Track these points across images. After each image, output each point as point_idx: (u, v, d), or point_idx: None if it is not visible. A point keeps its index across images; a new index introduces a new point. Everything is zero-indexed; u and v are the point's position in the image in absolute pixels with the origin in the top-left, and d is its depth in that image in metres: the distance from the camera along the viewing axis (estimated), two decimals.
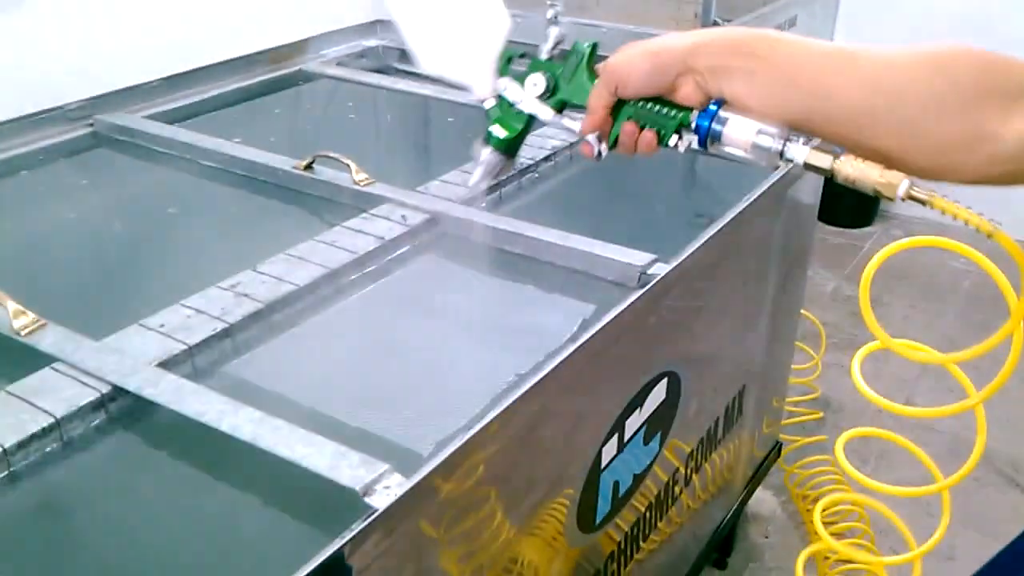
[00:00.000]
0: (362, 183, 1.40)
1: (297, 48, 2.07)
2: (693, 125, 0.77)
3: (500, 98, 0.87)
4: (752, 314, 1.68)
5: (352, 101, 1.95)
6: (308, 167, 1.45)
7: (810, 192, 1.80)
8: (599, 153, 0.82)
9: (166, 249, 1.35)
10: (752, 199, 1.31)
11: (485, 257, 1.29)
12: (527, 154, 1.54)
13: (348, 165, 1.41)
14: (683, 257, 1.17)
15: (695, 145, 0.79)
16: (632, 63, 0.77)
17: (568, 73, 0.84)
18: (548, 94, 0.85)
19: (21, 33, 1.76)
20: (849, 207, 3.64)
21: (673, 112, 0.78)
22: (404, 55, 2.14)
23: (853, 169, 0.73)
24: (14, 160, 1.56)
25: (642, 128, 0.80)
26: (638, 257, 1.20)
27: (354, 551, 0.74)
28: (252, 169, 1.50)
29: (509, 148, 0.88)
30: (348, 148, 1.45)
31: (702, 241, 1.19)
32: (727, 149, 0.78)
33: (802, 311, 2.18)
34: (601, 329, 1.01)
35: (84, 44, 1.87)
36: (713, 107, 0.76)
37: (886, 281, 3.29)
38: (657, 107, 0.79)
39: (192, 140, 1.58)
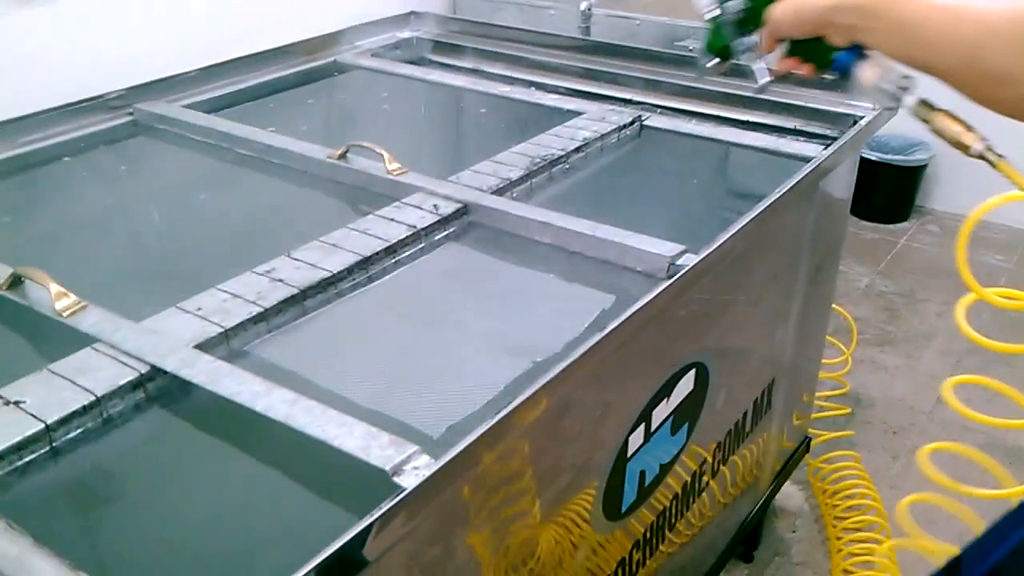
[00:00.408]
0: (395, 172, 1.42)
1: (331, 39, 2.09)
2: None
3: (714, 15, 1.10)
4: (782, 307, 1.68)
5: (386, 92, 1.97)
6: (342, 156, 1.47)
7: (843, 186, 1.80)
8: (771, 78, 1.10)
9: (203, 235, 1.38)
10: (782, 192, 1.31)
11: (515, 246, 1.30)
12: (558, 145, 1.55)
13: (381, 155, 1.43)
14: (712, 248, 1.17)
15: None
16: (783, 14, 0.97)
17: (754, 7, 1.04)
18: (744, 19, 1.06)
19: (62, 24, 1.80)
20: (884, 202, 3.61)
21: (821, 52, 0.98)
22: (438, 46, 2.16)
23: (943, 125, 0.93)
24: (56, 147, 1.60)
25: (803, 61, 1.01)
26: (667, 248, 1.21)
27: (383, 529, 0.76)
28: (287, 158, 1.53)
29: (721, 53, 1.12)
30: (382, 138, 1.47)
31: (731, 232, 1.20)
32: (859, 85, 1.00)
33: (834, 306, 2.17)
34: (628, 319, 1.02)
35: (123, 35, 1.91)
36: (847, 55, 0.96)
37: (920, 277, 3.26)
38: (810, 46, 0.98)
39: (229, 129, 1.61)
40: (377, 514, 0.75)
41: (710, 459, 1.54)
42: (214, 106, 1.79)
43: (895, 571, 1.94)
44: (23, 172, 1.53)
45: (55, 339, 1.04)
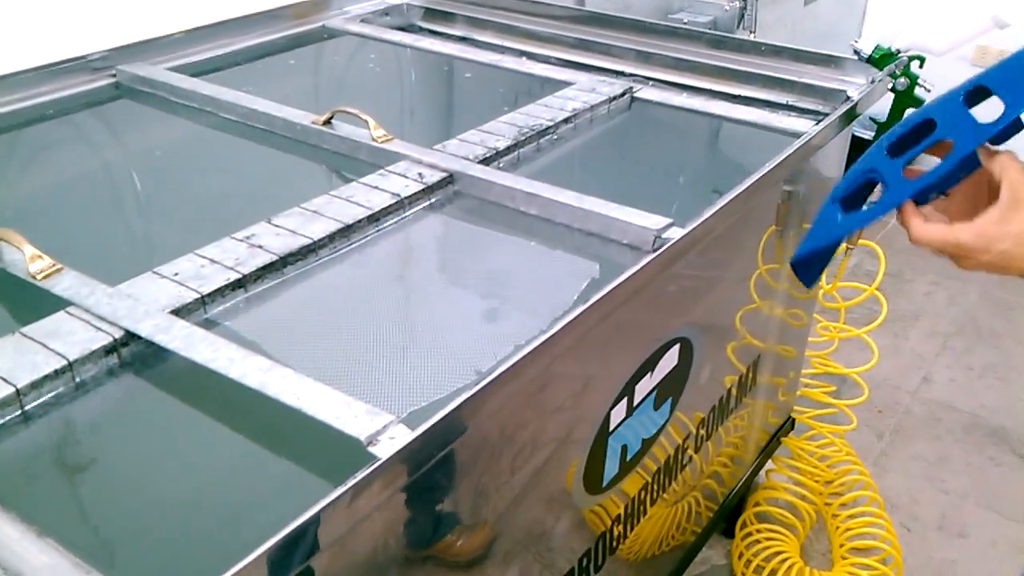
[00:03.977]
0: (380, 140, 1.39)
1: (321, 4, 2.06)
2: None
3: None
4: (768, 284, 1.67)
5: (375, 58, 1.94)
6: (327, 122, 1.45)
7: (832, 164, 1.78)
8: None
9: (183, 199, 1.36)
10: (771, 167, 1.30)
11: (500, 217, 1.28)
12: (547, 115, 1.53)
13: (367, 121, 1.40)
14: (699, 222, 1.16)
15: None
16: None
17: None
18: None
19: None
20: None
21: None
22: (428, 13, 2.13)
23: None
24: (37, 108, 1.57)
25: None
26: (653, 221, 1.20)
27: (357, 498, 0.75)
28: (271, 123, 1.50)
29: None
30: (369, 105, 1.45)
31: (718, 206, 1.18)
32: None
33: (822, 283, 2.16)
34: (611, 291, 1.00)
35: None
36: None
37: (908, 257, 3.25)
38: None
39: (213, 93, 1.58)
40: (351, 483, 0.74)
41: (693, 434, 1.54)
42: (199, 69, 1.76)
43: (894, 542, 1.95)
44: (2, 134, 1.50)
45: (28, 302, 1.02)
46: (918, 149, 0.93)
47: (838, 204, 1.02)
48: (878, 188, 0.99)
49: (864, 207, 1.02)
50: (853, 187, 1.00)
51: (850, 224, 1.02)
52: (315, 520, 0.71)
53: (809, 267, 1.13)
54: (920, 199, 0.95)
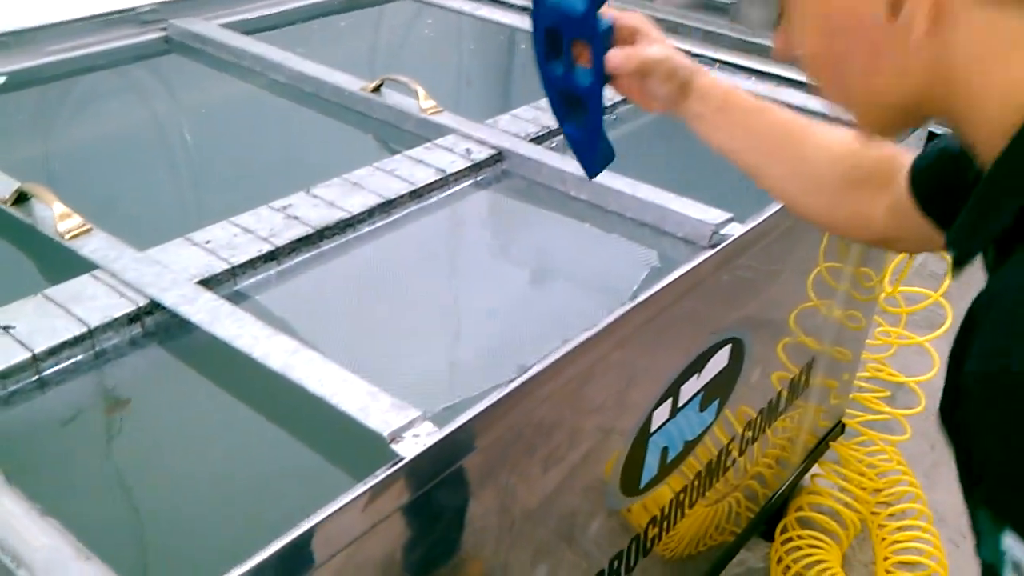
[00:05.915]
0: (429, 111, 1.34)
1: None
2: None
3: None
4: (829, 284, 1.58)
5: (431, 24, 1.88)
6: (376, 90, 1.40)
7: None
8: None
9: (223, 162, 1.32)
10: None
11: (549, 200, 1.22)
12: (606, 93, 1.45)
13: (416, 91, 1.35)
14: (761, 219, 1.08)
15: None
16: None
17: None
18: None
19: None
20: None
21: None
22: None
23: None
24: (84, 59, 1.54)
25: None
26: (712, 215, 1.13)
27: (375, 498, 0.70)
28: (319, 87, 1.45)
29: None
30: (421, 74, 1.39)
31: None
32: None
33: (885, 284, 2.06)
34: (661, 289, 0.94)
35: None
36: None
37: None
38: None
39: (263, 53, 1.54)
40: (370, 483, 0.69)
41: (739, 436, 1.47)
42: (252, 27, 1.71)
43: (941, 558, 1.87)
44: (46, 83, 1.48)
45: (54, 262, 0.99)
46: (566, 54, 0.87)
47: (567, 122, 0.94)
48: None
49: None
50: (560, 101, 0.93)
51: (591, 127, 0.93)
52: (322, 524, 0.66)
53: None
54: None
